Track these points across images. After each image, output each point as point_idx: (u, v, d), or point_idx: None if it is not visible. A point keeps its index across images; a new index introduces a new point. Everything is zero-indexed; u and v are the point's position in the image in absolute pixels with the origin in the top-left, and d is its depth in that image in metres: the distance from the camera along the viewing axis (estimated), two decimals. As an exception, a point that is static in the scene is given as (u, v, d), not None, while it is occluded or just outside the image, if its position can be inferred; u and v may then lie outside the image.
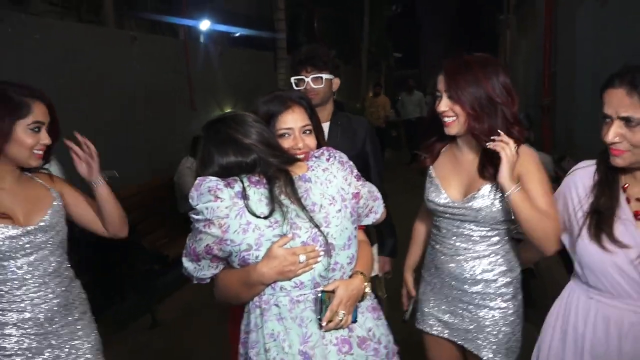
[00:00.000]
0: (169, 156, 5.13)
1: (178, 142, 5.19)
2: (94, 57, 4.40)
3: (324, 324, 1.28)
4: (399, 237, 2.28)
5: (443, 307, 1.75)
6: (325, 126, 2.15)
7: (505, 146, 1.46)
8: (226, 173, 1.30)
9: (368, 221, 1.49)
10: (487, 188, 1.57)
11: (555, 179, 4.34)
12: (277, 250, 1.25)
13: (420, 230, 1.96)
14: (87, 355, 1.67)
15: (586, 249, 1.36)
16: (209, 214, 1.24)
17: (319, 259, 1.29)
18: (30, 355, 1.55)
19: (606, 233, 1.33)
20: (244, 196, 1.26)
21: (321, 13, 11.32)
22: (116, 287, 3.66)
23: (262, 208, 1.26)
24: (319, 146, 1.54)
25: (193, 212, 1.28)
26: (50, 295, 1.59)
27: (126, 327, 3.58)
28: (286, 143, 1.51)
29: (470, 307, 1.68)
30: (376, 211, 1.48)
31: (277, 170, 1.31)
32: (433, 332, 1.78)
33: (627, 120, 1.26)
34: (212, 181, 1.26)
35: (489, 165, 1.55)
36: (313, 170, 1.37)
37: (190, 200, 1.28)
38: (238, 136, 1.32)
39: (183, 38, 6.03)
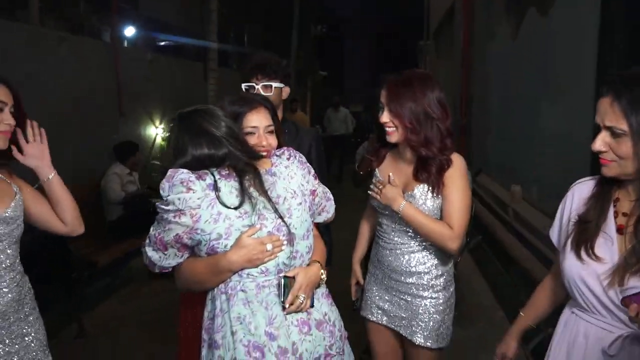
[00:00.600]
0: (95, 161, 4.95)
1: (105, 148, 5.02)
2: (19, 56, 4.19)
3: (286, 305, 1.39)
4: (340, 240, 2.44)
5: (385, 296, 1.93)
6: None
7: (379, 193, 1.83)
8: (198, 164, 1.37)
9: (320, 219, 1.63)
10: (420, 188, 1.80)
11: (473, 191, 4.73)
12: (247, 239, 1.35)
13: (365, 227, 2.16)
14: (36, 351, 1.64)
15: (566, 259, 1.34)
16: (181, 205, 1.31)
17: (282, 247, 1.39)
18: None
19: (585, 245, 1.31)
20: (216, 188, 1.34)
21: (251, 28, 11.41)
22: (42, 294, 3.46)
23: (233, 200, 1.35)
24: (279, 146, 1.65)
25: (162, 203, 1.34)
26: (5, 290, 1.56)
27: (51, 336, 3.39)
28: (251, 140, 1.61)
29: (406, 296, 1.87)
30: (328, 211, 1.64)
31: (246, 164, 1.40)
32: (373, 319, 1.96)
33: (611, 131, 1.21)
34: (184, 173, 1.33)
35: (422, 170, 1.79)
36: (277, 166, 1.49)
37: (161, 191, 1.34)
38: (212, 129, 1.40)
39: (112, 42, 5.86)
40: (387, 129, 1.78)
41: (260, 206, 1.38)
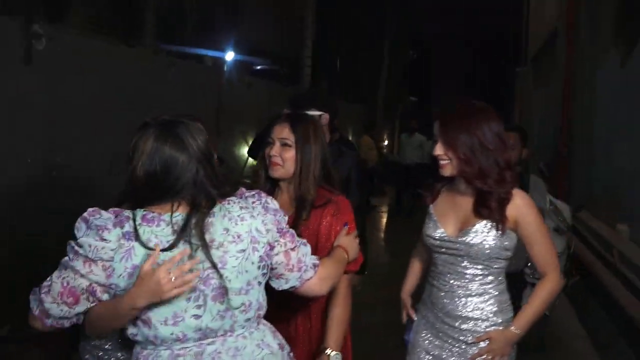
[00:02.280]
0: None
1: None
2: (134, 79, 4.62)
3: None
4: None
5: (435, 342, 1.78)
6: None
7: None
8: (145, 189, 1.21)
9: (275, 284, 1.37)
10: (481, 225, 1.66)
11: (572, 228, 4.43)
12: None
13: (415, 262, 2.04)
14: None
15: None
16: (91, 253, 1.17)
17: (191, 282, 1.16)
18: None
19: None
20: (135, 236, 1.18)
21: (344, 56, 11.66)
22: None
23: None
24: (297, 164, 1.68)
25: (74, 244, 1.19)
26: None
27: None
28: (268, 150, 1.71)
29: (461, 343, 1.72)
30: (287, 280, 1.35)
31: (207, 198, 1.23)
32: None
33: None
34: (100, 218, 1.20)
35: (482, 205, 1.66)
36: (228, 204, 1.27)
37: (75, 231, 1.21)
38: (187, 147, 1.22)
39: (215, 67, 6.27)
40: (441, 161, 1.69)
41: (194, 251, 1.19)
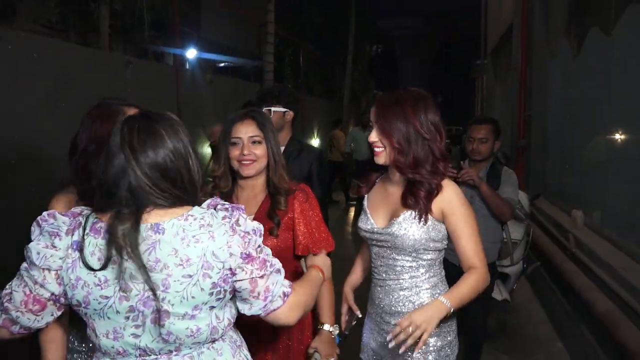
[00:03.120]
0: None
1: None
2: (89, 78, 4.49)
3: None
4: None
5: (377, 338, 1.74)
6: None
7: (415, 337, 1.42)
8: (99, 195, 1.14)
9: (239, 306, 1.26)
10: (406, 214, 1.61)
11: (530, 215, 4.56)
12: None
13: (361, 256, 1.98)
14: None
15: None
16: (38, 261, 1.12)
17: (147, 325, 1.13)
18: None
19: None
20: (80, 247, 1.12)
21: (307, 49, 11.65)
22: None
23: (95, 263, 1.11)
24: (269, 158, 1.73)
25: (25, 249, 1.15)
26: None
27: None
28: (236, 150, 1.71)
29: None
30: (251, 306, 1.23)
31: (131, 213, 1.11)
32: None
33: None
34: (55, 224, 1.15)
35: (409, 194, 1.60)
36: (186, 220, 1.15)
37: (31, 234, 1.17)
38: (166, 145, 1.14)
39: (174, 65, 6.17)
40: (375, 149, 1.63)
41: (128, 273, 1.10)
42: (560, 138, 5.31)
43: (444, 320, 1.52)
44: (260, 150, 1.72)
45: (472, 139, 2.87)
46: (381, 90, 18.97)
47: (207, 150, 6.96)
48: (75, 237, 1.13)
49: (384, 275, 1.69)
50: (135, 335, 1.14)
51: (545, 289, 4.62)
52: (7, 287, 1.16)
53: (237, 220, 1.18)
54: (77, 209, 1.18)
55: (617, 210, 3.45)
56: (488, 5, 11.22)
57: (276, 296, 1.23)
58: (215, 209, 1.20)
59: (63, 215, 1.16)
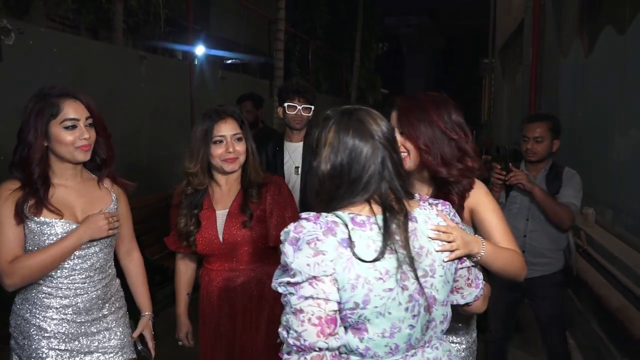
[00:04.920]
0: (168, 172, 5.23)
1: (178, 159, 5.29)
2: (104, 73, 4.54)
3: None
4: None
5: None
6: (299, 145, 2.68)
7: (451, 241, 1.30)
8: (333, 183, 1.12)
9: (454, 297, 1.28)
10: None
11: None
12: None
13: None
14: (112, 351, 1.75)
15: None
16: (312, 271, 1.04)
17: (421, 315, 1.13)
18: (66, 339, 1.65)
19: None
20: (350, 244, 1.06)
21: (315, 46, 11.66)
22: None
23: (370, 255, 1.06)
24: (247, 154, 1.86)
25: (288, 276, 1.06)
26: (92, 289, 1.69)
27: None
28: (219, 149, 1.81)
29: None
30: (464, 295, 1.28)
31: (395, 200, 1.12)
32: None
33: None
34: (308, 232, 1.06)
35: (440, 196, 1.55)
36: (424, 209, 1.20)
37: (285, 258, 1.07)
38: (372, 132, 1.12)
39: (187, 61, 6.21)
40: None
41: (404, 261, 1.09)
42: (571, 136, 5.32)
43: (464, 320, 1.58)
44: (241, 147, 1.85)
45: (526, 138, 2.70)
46: (388, 88, 18.95)
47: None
48: (340, 235, 1.06)
49: None
50: (411, 327, 1.12)
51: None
52: (281, 333, 1.05)
53: (449, 210, 1.28)
54: (307, 215, 1.11)
55: (629, 208, 3.46)
56: (497, 3, 11.18)
57: (480, 284, 1.31)
58: (425, 201, 1.25)
59: (306, 221, 1.09)
